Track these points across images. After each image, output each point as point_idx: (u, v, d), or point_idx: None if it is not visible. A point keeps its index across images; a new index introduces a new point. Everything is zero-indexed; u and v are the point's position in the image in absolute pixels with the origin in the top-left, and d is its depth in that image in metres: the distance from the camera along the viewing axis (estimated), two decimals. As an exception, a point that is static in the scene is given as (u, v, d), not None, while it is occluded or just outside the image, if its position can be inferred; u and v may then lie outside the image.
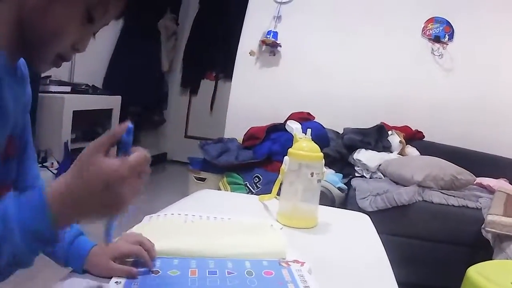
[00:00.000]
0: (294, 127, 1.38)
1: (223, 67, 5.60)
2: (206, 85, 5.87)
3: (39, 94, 3.17)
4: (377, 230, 1.36)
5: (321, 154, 1.25)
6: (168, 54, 5.49)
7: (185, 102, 5.96)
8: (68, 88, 3.54)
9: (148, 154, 0.64)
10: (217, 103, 5.79)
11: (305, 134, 1.31)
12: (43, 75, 3.20)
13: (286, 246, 1.03)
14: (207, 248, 1.00)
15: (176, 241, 1.03)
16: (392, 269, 1.03)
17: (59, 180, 0.60)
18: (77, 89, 3.66)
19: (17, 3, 0.71)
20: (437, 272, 2.58)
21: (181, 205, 1.44)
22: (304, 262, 0.96)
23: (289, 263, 0.97)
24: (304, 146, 1.25)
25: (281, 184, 1.32)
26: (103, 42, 4.58)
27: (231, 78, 4.11)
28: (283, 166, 1.27)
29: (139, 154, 0.63)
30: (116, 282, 0.83)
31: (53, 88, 3.39)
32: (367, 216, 1.45)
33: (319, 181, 1.23)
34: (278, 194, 1.36)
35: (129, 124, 0.64)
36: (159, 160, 5.86)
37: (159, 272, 0.89)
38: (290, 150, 1.28)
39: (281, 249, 1.01)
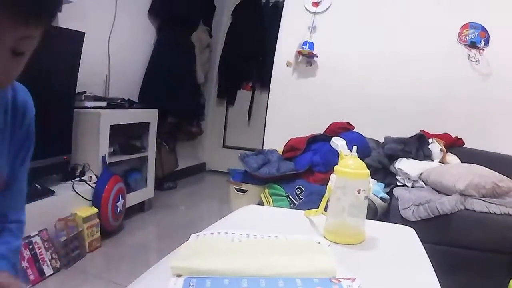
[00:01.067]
0: (339, 144, 1.38)
1: (259, 77, 5.69)
2: (243, 96, 5.96)
3: (75, 109, 3.25)
4: (420, 240, 1.37)
5: (367, 171, 1.26)
6: (203, 66, 5.55)
7: (222, 113, 6.06)
8: (104, 103, 3.60)
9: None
10: (254, 113, 5.87)
11: (351, 151, 1.33)
12: (77, 91, 3.28)
13: (336, 264, 1.02)
14: (258, 267, 0.99)
15: (226, 260, 1.03)
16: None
17: None
18: (112, 103, 3.71)
19: None
20: (480, 281, 2.56)
21: (226, 222, 1.46)
22: (355, 278, 0.95)
23: (340, 280, 0.95)
24: (350, 164, 1.26)
25: (327, 200, 1.34)
26: (137, 56, 4.67)
27: (268, 88, 4.13)
28: (329, 183, 1.29)
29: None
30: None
31: (88, 103, 3.44)
32: (412, 230, 1.45)
33: (366, 197, 1.25)
34: (325, 209, 1.37)
35: None
36: (197, 170, 5.95)
37: None
38: (336, 167, 1.29)
39: (331, 267, 1.00)
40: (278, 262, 1.03)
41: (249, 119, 5.91)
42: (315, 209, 1.48)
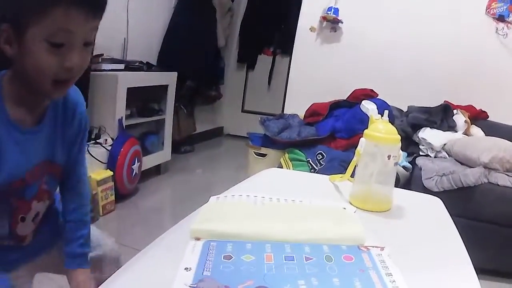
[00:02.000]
0: (370, 107, 1.33)
1: (280, 42, 5.63)
2: (263, 60, 5.90)
3: (92, 72, 3.21)
4: None
5: (398, 137, 1.20)
6: (224, 31, 5.50)
7: (242, 77, 6.02)
8: (121, 66, 3.57)
9: None
10: (275, 78, 5.83)
11: (381, 116, 1.28)
12: (94, 53, 3.22)
13: (364, 232, 0.99)
14: (282, 232, 0.96)
15: (249, 224, 1.00)
16: None
17: None
18: (130, 66, 3.68)
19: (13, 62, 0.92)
20: (501, 256, 2.57)
21: (247, 185, 1.43)
22: (384, 247, 0.92)
23: (368, 247, 0.92)
24: (381, 128, 1.21)
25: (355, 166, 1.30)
26: (157, 19, 4.61)
27: (289, 53, 4.12)
28: (358, 147, 1.23)
29: None
30: (186, 268, 0.81)
31: (105, 66, 3.42)
32: (439, 200, 1.43)
33: (395, 164, 1.20)
34: (352, 176, 1.34)
35: None
36: (215, 134, 5.95)
37: (231, 257, 0.84)
38: (366, 131, 1.23)
39: (360, 235, 0.97)
40: (303, 227, 1.00)
41: (269, 84, 5.87)
42: (340, 174, 1.45)
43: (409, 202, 1.32)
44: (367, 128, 1.26)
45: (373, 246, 0.92)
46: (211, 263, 0.82)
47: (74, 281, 1.15)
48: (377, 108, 1.34)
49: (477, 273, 0.86)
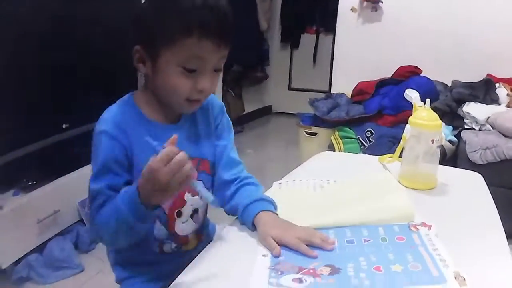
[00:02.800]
0: (413, 96, 1.47)
1: (323, 21, 5.67)
2: (307, 39, 5.96)
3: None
4: (486, 183, 1.46)
5: (440, 122, 1.35)
6: (265, 14, 5.59)
7: (286, 57, 6.10)
8: None
9: (175, 149, 0.85)
10: (319, 56, 5.88)
11: (424, 104, 1.40)
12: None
13: (413, 208, 1.13)
14: (341, 218, 1.09)
15: (310, 211, 1.15)
16: (501, 221, 1.14)
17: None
18: None
19: (146, 79, 1.05)
20: None
21: (302, 169, 1.56)
22: (431, 225, 1.05)
23: (417, 227, 1.05)
24: (424, 116, 1.35)
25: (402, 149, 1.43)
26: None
27: (331, 31, 4.17)
28: (404, 133, 1.38)
29: (165, 150, 0.84)
30: (263, 255, 0.93)
31: None
32: (480, 176, 1.54)
33: (438, 146, 1.35)
34: (399, 156, 1.47)
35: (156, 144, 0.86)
36: (264, 113, 6.07)
37: None
38: (410, 119, 1.38)
39: (409, 211, 1.12)
40: (359, 209, 1.14)
41: (314, 61, 5.93)
42: (389, 155, 1.59)
43: (452, 179, 1.44)
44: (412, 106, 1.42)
45: (421, 224, 1.07)
46: (283, 249, 0.95)
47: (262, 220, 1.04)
48: (416, 89, 1.49)
49: None
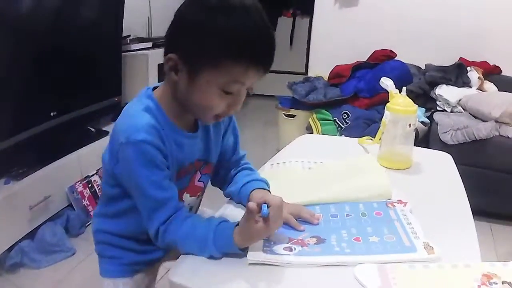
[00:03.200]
0: (388, 84, 1.58)
1: (300, 4, 5.71)
2: (284, 22, 5.99)
3: (123, 53, 3.42)
4: (456, 161, 1.57)
5: (415, 108, 1.46)
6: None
7: (264, 39, 6.13)
8: (149, 44, 3.71)
9: (279, 202, 0.93)
10: (296, 39, 5.94)
11: (400, 91, 1.51)
12: (124, 34, 3.44)
13: (390, 186, 1.26)
14: (327, 196, 1.22)
15: (300, 189, 1.26)
16: (469, 197, 1.25)
17: (237, 228, 0.94)
18: (157, 43, 3.79)
19: (172, 86, 1.02)
20: (509, 201, 2.79)
21: (286, 152, 1.67)
22: (407, 203, 1.18)
23: (394, 204, 1.17)
24: (400, 102, 1.47)
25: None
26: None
27: (308, 14, 4.23)
28: (384, 118, 1.49)
29: (272, 216, 0.91)
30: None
31: (133, 46, 3.57)
32: (449, 156, 1.66)
33: (414, 129, 1.47)
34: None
35: (264, 209, 0.91)
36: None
37: None
38: (388, 105, 1.49)
39: (387, 190, 1.25)
40: (343, 188, 1.26)
41: (291, 44, 6.00)
42: (367, 137, 1.72)
43: (425, 159, 1.58)
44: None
45: (398, 202, 1.20)
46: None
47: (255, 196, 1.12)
48: (394, 78, 1.59)
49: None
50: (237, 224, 0.95)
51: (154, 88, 1.09)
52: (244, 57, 0.91)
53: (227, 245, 0.94)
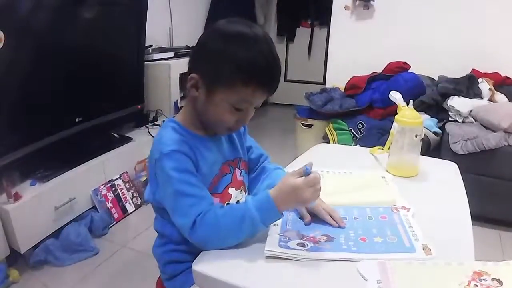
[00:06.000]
0: (397, 97, 1.67)
1: (317, 15, 5.86)
2: (302, 32, 6.15)
3: (145, 62, 3.55)
4: (466, 170, 1.63)
5: (421, 120, 1.55)
6: (262, 8, 5.83)
7: (282, 49, 6.26)
8: (171, 54, 3.83)
9: (318, 175, 1.05)
10: (314, 48, 6.09)
11: (407, 104, 1.61)
12: (146, 44, 3.56)
13: (396, 195, 1.36)
14: (339, 200, 1.30)
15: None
16: (477, 205, 1.31)
17: (273, 192, 1.05)
18: (179, 53, 3.90)
19: (192, 100, 1.15)
20: None
21: (304, 159, 1.74)
22: (410, 208, 1.27)
23: (398, 209, 1.26)
24: (407, 114, 1.56)
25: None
26: (197, 4, 4.93)
27: (326, 24, 4.35)
28: (392, 129, 1.59)
29: (313, 176, 1.04)
30: (275, 224, 1.14)
31: (156, 56, 3.70)
32: (455, 165, 1.72)
33: (420, 140, 1.56)
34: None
35: (307, 167, 1.04)
36: (262, 104, 6.23)
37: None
38: (396, 117, 1.58)
39: (392, 197, 1.34)
40: (353, 194, 1.38)
41: (309, 54, 6.13)
42: (378, 147, 1.82)
43: (432, 168, 1.66)
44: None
45: (402, 207, 1.29)
46: (291, 221, 1.19)
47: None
48: (407, 90, 1.67)
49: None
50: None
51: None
52: (252, 82, 1.05)
53: (268, 209, 1.05)
